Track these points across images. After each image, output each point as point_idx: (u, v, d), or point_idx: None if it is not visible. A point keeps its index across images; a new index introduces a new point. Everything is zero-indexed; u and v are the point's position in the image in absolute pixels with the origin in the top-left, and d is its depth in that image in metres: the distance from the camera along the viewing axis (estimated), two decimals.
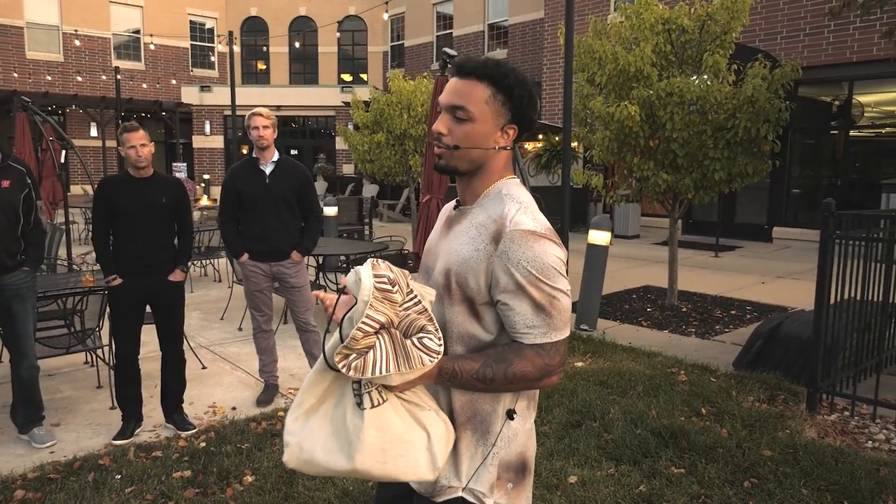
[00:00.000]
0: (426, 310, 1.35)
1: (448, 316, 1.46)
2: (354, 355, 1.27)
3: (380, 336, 1.28)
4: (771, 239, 12.36)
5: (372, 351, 1.27)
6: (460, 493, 1.47)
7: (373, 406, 1.34)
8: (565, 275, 1.41)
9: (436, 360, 1.33)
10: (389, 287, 1.31)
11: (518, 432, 1.50)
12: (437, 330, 1.35)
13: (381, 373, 1.27)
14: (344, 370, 1.27)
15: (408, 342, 1.31)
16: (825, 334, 4.18)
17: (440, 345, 1.33)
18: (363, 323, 1.26)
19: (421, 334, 1.33)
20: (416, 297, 1.35)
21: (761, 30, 12.12)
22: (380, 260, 1.37)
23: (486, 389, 1.42)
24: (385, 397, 1.34)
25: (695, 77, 6.67)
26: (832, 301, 4.18)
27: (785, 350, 4.88)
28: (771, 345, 4.99)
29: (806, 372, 4.42)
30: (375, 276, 1.31)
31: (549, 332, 1.39)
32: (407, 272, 1.40)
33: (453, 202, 1.62)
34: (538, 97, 16.90)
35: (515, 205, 1.44)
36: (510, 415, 1.48)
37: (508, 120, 1.47)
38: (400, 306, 1.32)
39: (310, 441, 1.39)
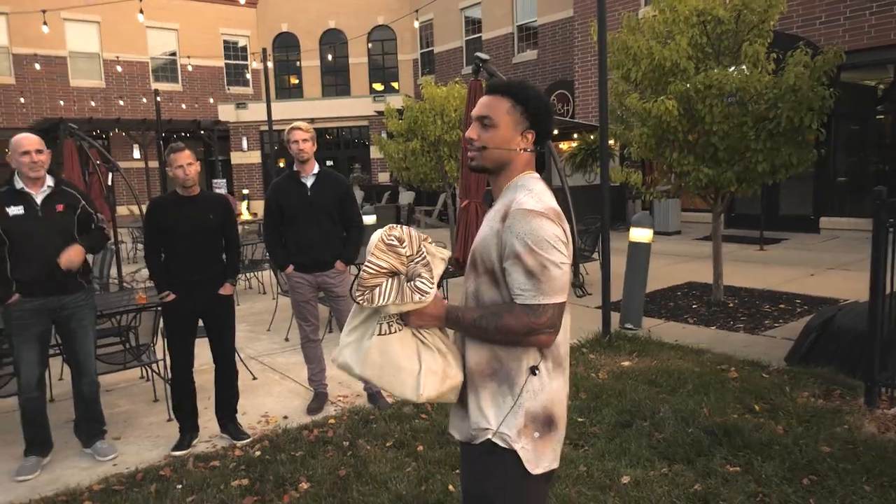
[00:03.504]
0: (428, 263, 1.71)
1: (478, 286, 1.76)
2: (366, 291, 1.67)
3: (389, 279, 1.68)
4: (818, 230, 12.01)
5: (378, 288, 1.67)
6: (491, 437, 1.71)
7: (380, 334, 1.71)
8: (561, 249, 1.65)
9: (425, 299, 1.66)
10: (396, 244, 1.68)
11: (543, 388, 1.72)
12: (431, 277, 1.68)
13: (382, 303, 1.66)
14: (358, 301, 1.69)
15: (407, 284, 1.68)
16: (881, 326, 4.06)
17: (431, 287, 1.68)
18: (366, 266, 1.68)
19: (417, 279, 1.68)
20: (423, 254, 1.71)
21: (798, 16, 11.81)
22: (399, 225, 1.73)
23: (483, 337, 1.70)
24: (395, 330, 1.71)
25: (733, 68, 6.55)
26: (887, 291, 4.06)
27: (839, 343, 4.75)
28: (824, 338, 4.86)
29: (862, 365, 4.30)
30: (386, 235, 1.69)
31: (537, 296, 1.63)
32: (425, 236, 1.76)
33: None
34: (556, 108, 16.86)
35: (525, 191, 1.72)
36: (533, 371, 1.71)
37: (527, 126, 1.78)
38: (407, 258, 1.70)
39: (346, 351, 1.79)
